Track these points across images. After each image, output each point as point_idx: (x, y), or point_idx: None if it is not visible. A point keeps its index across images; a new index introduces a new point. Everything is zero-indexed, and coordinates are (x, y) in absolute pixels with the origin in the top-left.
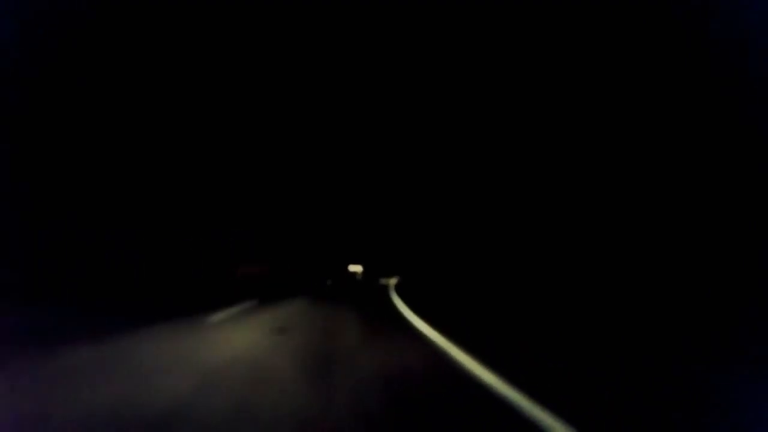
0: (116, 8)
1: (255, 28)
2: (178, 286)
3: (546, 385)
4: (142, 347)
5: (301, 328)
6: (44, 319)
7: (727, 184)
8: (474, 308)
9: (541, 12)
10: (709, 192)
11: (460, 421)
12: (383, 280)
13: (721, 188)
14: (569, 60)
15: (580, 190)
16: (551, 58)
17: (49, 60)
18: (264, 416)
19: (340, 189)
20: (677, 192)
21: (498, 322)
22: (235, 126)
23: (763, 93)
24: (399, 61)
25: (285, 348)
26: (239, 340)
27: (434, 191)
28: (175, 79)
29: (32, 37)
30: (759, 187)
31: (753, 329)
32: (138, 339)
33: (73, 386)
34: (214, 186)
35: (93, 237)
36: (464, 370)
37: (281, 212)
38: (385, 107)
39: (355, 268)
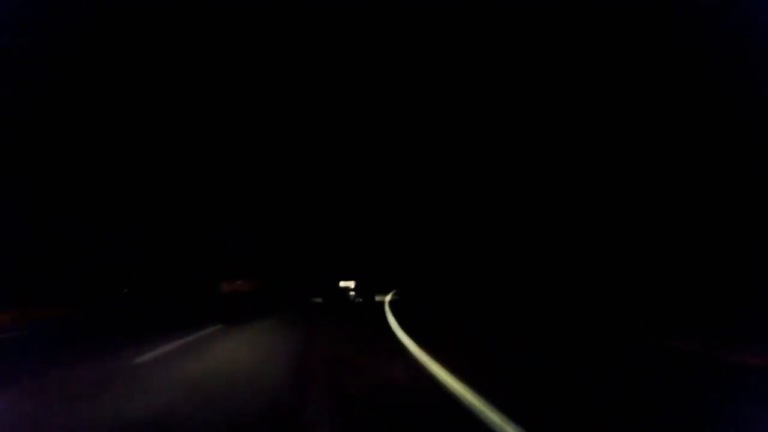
0: (117, 8)
1: (255, 32)
2: (153, 303)
3: None
4: None
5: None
6: None
7: (727, 183)
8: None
9: (542, 12)
10: (708, 191)
11: None
12: (379, 297)
13: (721, 187)
14: (569, 61)
15: (583, 194)
16: (551, 59)
17: (50, 60)
18: None
19: (331, 200)
20: (677, 191)
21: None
22: (228, 134)
23: (764, 93)
24: (397, 70)
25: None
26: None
27: (430, 202)
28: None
29: (33, 37)
30: (759, 185)
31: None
32: None
33: None
34: (199, 195)
35: (71, 244)
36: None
37: (269, 225)
38: (380, 109)
39: (347, 284)
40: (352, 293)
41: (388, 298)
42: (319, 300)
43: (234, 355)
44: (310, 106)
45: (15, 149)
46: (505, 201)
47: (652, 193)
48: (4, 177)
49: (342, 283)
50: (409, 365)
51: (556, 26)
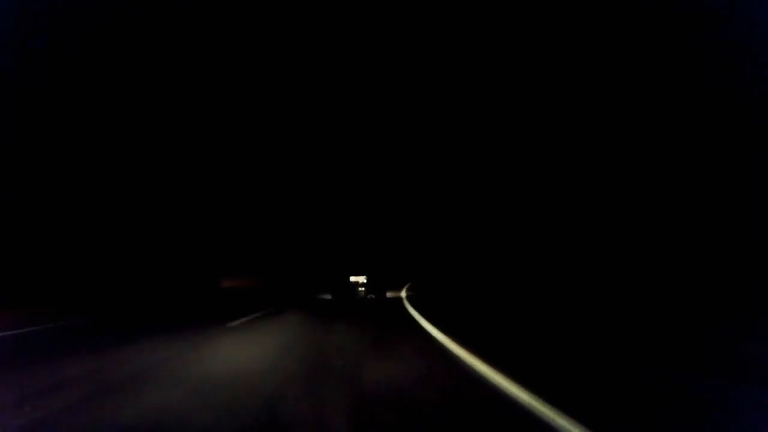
0: (116, 7)
1: (255, 31)
2: (141, 300)
3: None
4: None
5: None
6: None
7: (728, 184)
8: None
9: (542, 12)
10: (709, 191)
11: None
12: (390, 293)
13: (721, 187)
14: (569, 61)
15: (587, 191)
16: (551, 59)
17: (50, 61)
18: None
19: (338, 193)
20: (678, 192)
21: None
22: (230, 128)
23: (764, 93)
24: (402, 64)
25: None
26: None
27: (439, 195)
28: (168, 85)
29: (32, 37)
30: (759, 186)
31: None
32: None
33: None
34: (199, 188)
35: (68, 241)
36: None
37: (274, 218)
38: (387, 102)
39: (358, 279)
40: (362, 289)
41: (403, 294)
42: (327, 297)
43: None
44: (315, 97)
45: (12, 147)
46: (518, 195)
47: (654, 194)
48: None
49: (352, 278)
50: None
51: (556, 26)
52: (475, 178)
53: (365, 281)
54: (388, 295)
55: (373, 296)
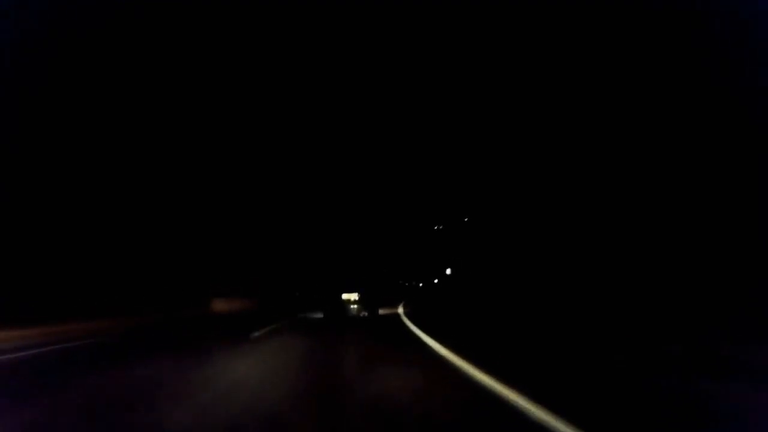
0: (116, 7)
1: (252, 35)
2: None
3: None
4: None
5: None
6: None
7: (727, 184)
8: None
9: (541, 12)
10: (709, 191)
11: None
12: (384, 310)
13: (721, 187)
14: (568, 62)
15: (586, 192)
16: (550, 60)
17: (50, 62)
18: None
19: (331, 208)
20: (678, 192)
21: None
22: (224, 136)
23: (764, 93)
24: (396, 78)
25: None
26: None
27: (434, 207)
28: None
29: (32, 37)
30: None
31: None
32: None
33: None
34: (188, 205)
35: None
36: None
37: (264, 235)
38: (379, 116)
39: (350, 296)
40: (354, 306)
41: (400, 310)
42: (319, 315)
43: None
44: (306, 107)
45: (12, 147)
46: (514, 196)
47: (654, 194)
48: None
49: (344, 296)
50: None
51: (556, 26)
52: (470, 188)
53: (357, 298)
54: (381, 312)
55: (366, 314)
